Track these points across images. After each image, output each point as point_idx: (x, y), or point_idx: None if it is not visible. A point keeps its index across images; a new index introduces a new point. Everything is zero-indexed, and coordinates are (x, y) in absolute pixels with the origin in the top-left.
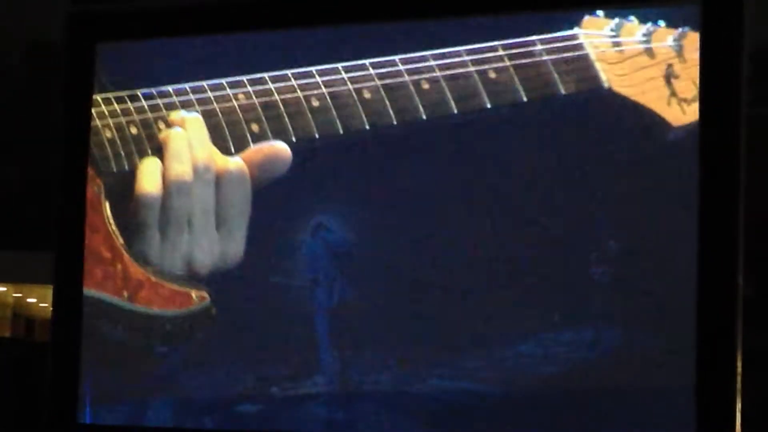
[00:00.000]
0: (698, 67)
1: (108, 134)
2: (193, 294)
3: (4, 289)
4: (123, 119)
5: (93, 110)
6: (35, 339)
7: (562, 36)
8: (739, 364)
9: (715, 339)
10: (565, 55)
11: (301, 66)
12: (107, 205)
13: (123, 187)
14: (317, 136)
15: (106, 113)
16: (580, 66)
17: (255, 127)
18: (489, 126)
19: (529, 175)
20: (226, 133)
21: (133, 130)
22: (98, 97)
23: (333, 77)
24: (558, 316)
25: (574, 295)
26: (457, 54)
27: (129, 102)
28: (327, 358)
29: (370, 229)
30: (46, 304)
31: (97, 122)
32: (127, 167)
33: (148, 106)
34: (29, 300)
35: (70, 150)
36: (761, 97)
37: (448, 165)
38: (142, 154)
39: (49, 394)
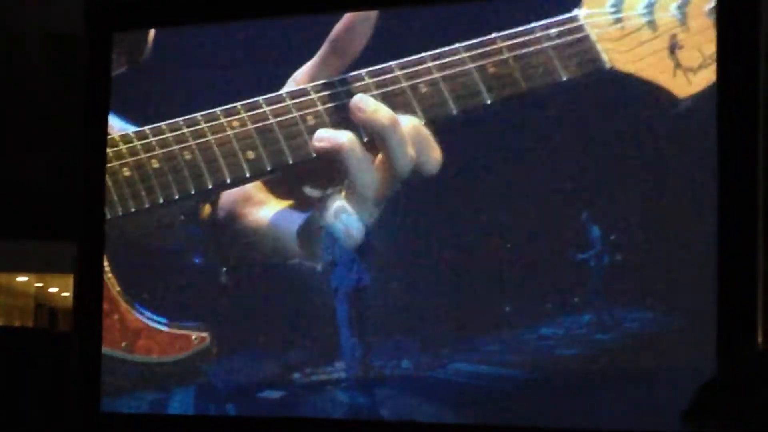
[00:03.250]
0: (703, 34)
1: (126, 173)
2: (193, 336)
3: (26, 278)
4: (116, 163)
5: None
6: (58, 328)
7: (562, 19)
8: (760, 341)
9: (735, 319)
10: (567, 39)
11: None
12: (104, 254)
13: (123, 234)
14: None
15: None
16: (582, 49)
17: (250, 154)
18: (495, 119)
19: (543, 160)
20: (221, 162)
21: (126, 173)
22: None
23: (330, 91)
24: (578, 299)
25: (595, 276)
26: (455, 52)
27: (122, 144)
28: (348, 344)
29: (390, 214)
30: (69, 294)
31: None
32: (120, 212)
33: (140, 146)
34: (51, 290)
35: (91, 139)
36: None
37: (462, 154)
38: (136, 198)
39: (73, 383)
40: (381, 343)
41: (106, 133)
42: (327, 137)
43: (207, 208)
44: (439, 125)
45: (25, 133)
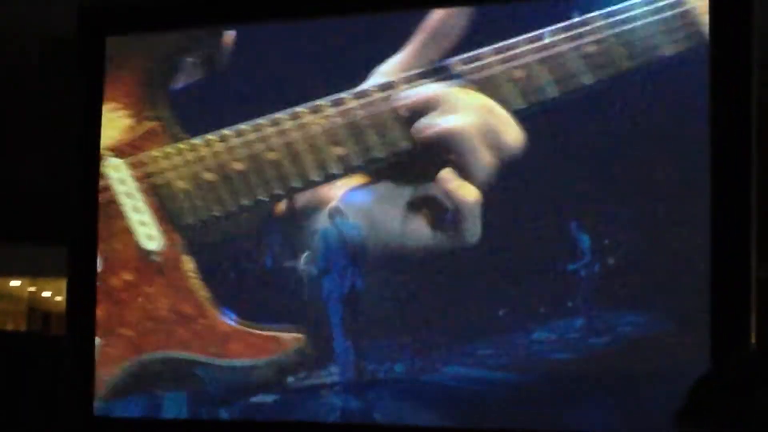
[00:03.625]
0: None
1: (181, 185)
2: (285, 336)
3: (19, 283)
4: (196, 167)
5: (160, 163)
6: (51, 332)
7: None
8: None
9: (729, 323)
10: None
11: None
12: (188, 259)
13: (205, 238)
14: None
15: (176, 163)
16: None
17: (338, 150)
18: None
19: (542, 161)
20: (308, 160)
21: (208, 176)
22: (166, 149)
23: (422, 80)
24: (571, 303)
25: (588, 280)
26: (552, 33)
27: (200, 148)
28: (341, 348)
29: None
30: (62, 298)
31: (168, 176)
32: (204, 217)
33: (223, 147)
34: (44, 294)
35: (84, 144)
36: None
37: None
38: (220, 202)
39: (66, 387)
40: (374, 347)
41: (99, 137)
42: (436, 122)
43: (292, 208)
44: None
45: (18, 135)
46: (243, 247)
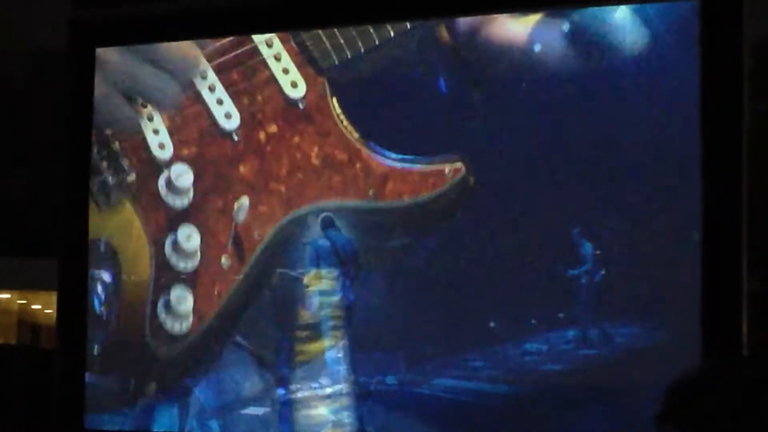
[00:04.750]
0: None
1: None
2: (446, 168)
3: (9, 296)
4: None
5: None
6: (41, 345)
7: None
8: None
9: (720, 335)
10: None
11: None
12: (334, 101)
13: (352, 76)
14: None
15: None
16: None
17: None
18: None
19: (533, 174)
20: None
21: None
22: None
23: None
24: (563, 314)
25: (581, 292)
26: None
27: None
28: (333, 360)
29: (376, 230)
30: (51, 311)
31: None
32: (349, 55)
33: None
34: (34, 307)
35: (74, 156)
36: (762, 93)
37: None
38: (364, 38)
39: (56, 400)
40: (366, 360)
41: (89, 150)
42: None
43: (444, 30)
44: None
45: (7, 150)
46: (390, 78)
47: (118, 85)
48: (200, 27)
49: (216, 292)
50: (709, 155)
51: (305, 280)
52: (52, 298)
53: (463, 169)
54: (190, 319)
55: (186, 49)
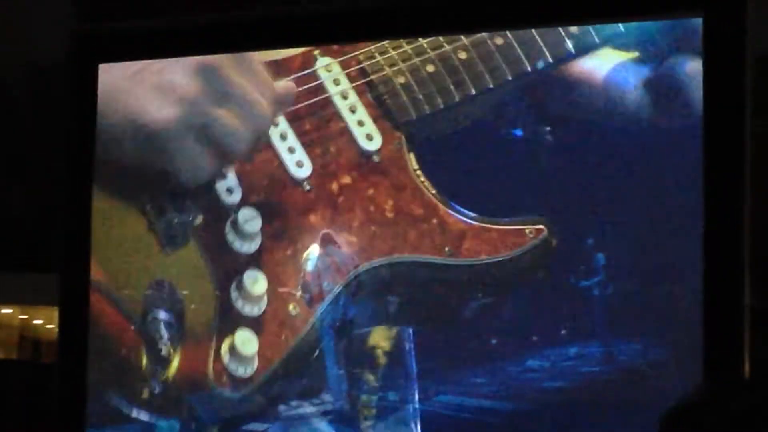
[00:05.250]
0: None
1: (401, 80)
2: (527, 229)
3: (11, 311)
4: (417, 60)
5: (378, 58)
6: (42, 360)
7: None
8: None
9: (722, 351)
10: None
11: None
12: (411, 157)
13: (431, 132)
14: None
15: (397, 58)
16: None
17: None
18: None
19: (534, 177)
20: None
21: (430, 68)
22: (384, 45)
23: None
24: (565, 330)
25: (581, 308)
26: None
27: (421, 39)
28: (334, 376)
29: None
30: (53, 326)
31: (386, 71)
32: (428, 110)
33: (443, 38)
34: (35, 322)
35: (74, 170)
36: (765, 109)
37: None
38: (444, 94)
39: (56, 416)
40: (367, 376)
41: (90, 163)
42: None
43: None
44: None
45: (7, 163)
46: (474, 138)
47: (191, 126)
48: (207, 42)
49: (283, 338)
50: (710, 172)
51: (372, 335)
52: (54, 313)
53: (545, 230)
54: (255, 363)
55: (258, 95)
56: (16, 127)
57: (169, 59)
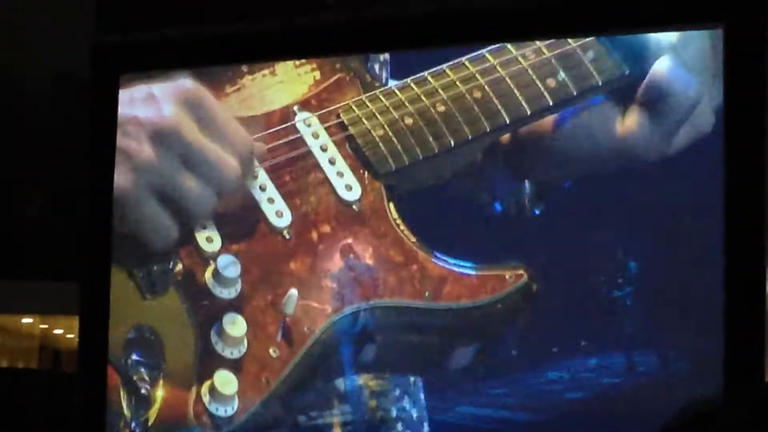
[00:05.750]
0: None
1: (379, 132)
2: (507, 274)
3: (31, 320)
4: (395, 113)
5: (356, 112)
6: (62, 370)
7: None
8: None
9: (743, 363)
10: None
11: None
12: (391, 206)
13: (411, 183)
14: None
15: (374, 111)
16: None
17: (551, 82)
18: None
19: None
20: (518, 94)
21: (408, 121)
22: (362, 98)
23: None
24: (585, 342)
25: (601, 319)
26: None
27: (399, 93)
28: (353, 386)
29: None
30: (73, 335)
31: (365, 123)
32: (407, 162)
33: (421, 92)
34: (56, 331)
35: (95, 180)
36: None
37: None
38: (423, 146)
39: (76, 425)
40: (387, 387)
41: (112, 172)
42: None
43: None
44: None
45: (29, 172)
46: (455, 189)
47: (155, 188)
48: (226, 53)
49: (263, 380)
50: (731, 180)
51: (358, 380)
52: (74, 322)
53: (525, 275)
54: (236, 403)
55: (224, 155)
56: (37, 137)
57: (127, 118)
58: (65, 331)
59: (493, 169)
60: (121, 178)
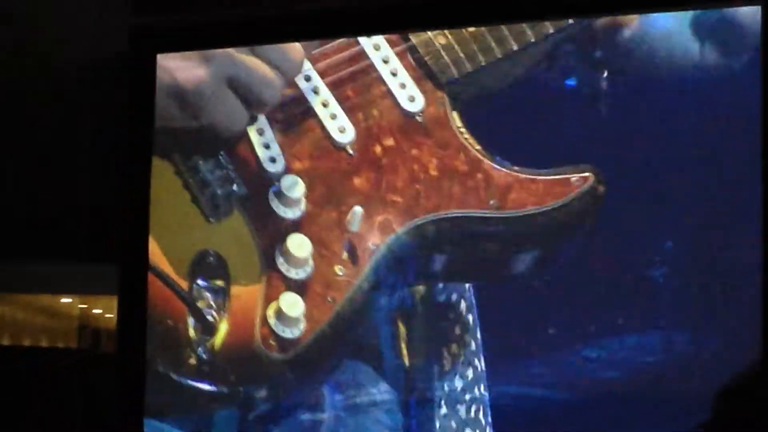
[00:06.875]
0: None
1: (441, 41)
2: (573, 177)
3: (70, 300)
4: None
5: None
6: (101, 349)
7: None
8: None
9: None
10: None
11: None
12: (455, 115)
13: (474, 90)
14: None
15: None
16: None
17: None
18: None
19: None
20: None
21: (470, 28)
22: None
23: None
24: (622, 320)
25: (638, 298)
26: None
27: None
28: (391, 366)
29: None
30: (112, 315)
31: (426, 33)
32: (470, 69)
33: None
34: (95, 311)
35: (134, 161)
36: None
37: None
38: (486, 51)
39: (116, 404)
40: (424, 366)
41: (150, 154)
42: None
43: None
44: None
45: (68, 154)
46: (517, 94)
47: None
48: (261, 33)
49: (329, 299)
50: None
51: (417, 292)
52: (113, 302)
53: (592, 177)
54: (302, 325)
55: (297, 61)
56: (75, 119)
57: None
58: (104, 310)
59: (564, 53)
60: (194, 71)
